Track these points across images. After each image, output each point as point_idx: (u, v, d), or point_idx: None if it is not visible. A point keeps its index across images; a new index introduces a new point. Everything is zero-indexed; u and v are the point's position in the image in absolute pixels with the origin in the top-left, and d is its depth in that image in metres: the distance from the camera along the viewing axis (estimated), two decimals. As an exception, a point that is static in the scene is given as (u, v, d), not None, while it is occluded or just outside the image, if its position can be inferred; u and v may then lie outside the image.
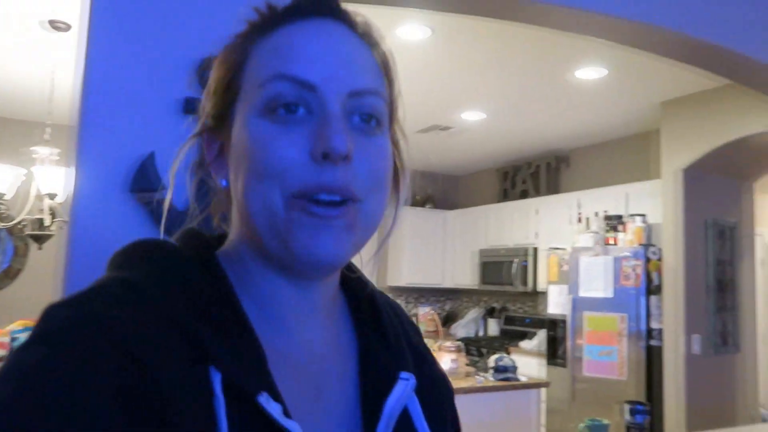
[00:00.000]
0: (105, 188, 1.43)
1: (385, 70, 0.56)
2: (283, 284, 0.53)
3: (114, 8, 1.48)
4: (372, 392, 0.54)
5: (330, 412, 0.53)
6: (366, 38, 0.55)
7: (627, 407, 2.01)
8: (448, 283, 6.68)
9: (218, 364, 0.45)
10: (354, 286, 0.62)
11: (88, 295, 0.45)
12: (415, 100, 4.41)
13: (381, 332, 0.59)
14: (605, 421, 1.97)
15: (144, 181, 1.44)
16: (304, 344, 0.54)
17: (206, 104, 0.56)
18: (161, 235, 0.58)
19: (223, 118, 0.54)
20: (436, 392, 0.63)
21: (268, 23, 0.53)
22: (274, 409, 0.44)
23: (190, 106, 1.47)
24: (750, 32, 2.43)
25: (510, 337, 5.90)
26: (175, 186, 1.56)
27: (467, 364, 3.88)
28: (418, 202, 6.71)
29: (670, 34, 2.21)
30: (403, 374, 0.56)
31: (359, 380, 0.56)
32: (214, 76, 0.56)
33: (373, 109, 0.52)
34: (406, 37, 3.28)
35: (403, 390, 0.55)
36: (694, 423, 3.85)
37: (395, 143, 0.57)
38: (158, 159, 1.45)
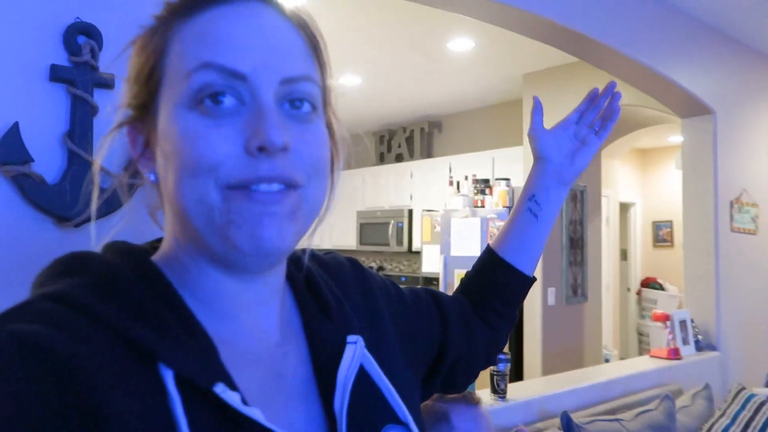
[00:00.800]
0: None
1: (315, 53, 0.53)
2: (227, 281, 0.51)
3: (-36, -35, 1.36)
4: (325, 366, 0.54)
5: (292, 396, 0.52)
6: (295, 20, 0.52)
7: (489, 356, 2.23)
8: (326, 244, 6.78)
9: (167, 360, 0.43)
10: (290, 267, 0.60)
11: (11, 314, 0.42)
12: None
13: (322, 304, 0.59)
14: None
15: (8, 152, 1.37)
16: (259, 335, 0.53)
17: (126, 94, 0.52)
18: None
19: (146, 108, 0.50)
20: (389, 326, 0.65)
21: (189, 6, 0.50)
22: (231, 398, 0.43)
23: (56, 74, 1.40)
24: (596, 17, 2.69)
25: (386, 295, 6.14)
26: (45, 157, 1.49)
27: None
28: (296, 165, 6.69)
29: (530, 16, 2.39)
30: (350, 338, 0.56)
31: (311, 357, 0.55)
32: (133, 63, 0.52)
33: (305, 95, 0.50)
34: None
35: (353, 354, 0.55)
36: (548, 367, 4.30)
37: (330, 128, 0.55)
38: (23, 129, 1.38)
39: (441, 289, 4.72)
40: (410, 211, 5.84)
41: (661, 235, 7.19)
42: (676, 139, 6.30)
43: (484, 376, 2.36)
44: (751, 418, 2.57)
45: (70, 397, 0.38)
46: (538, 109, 0.91)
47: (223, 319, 0.51)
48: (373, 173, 6.35)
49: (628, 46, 2.85)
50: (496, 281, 0.84)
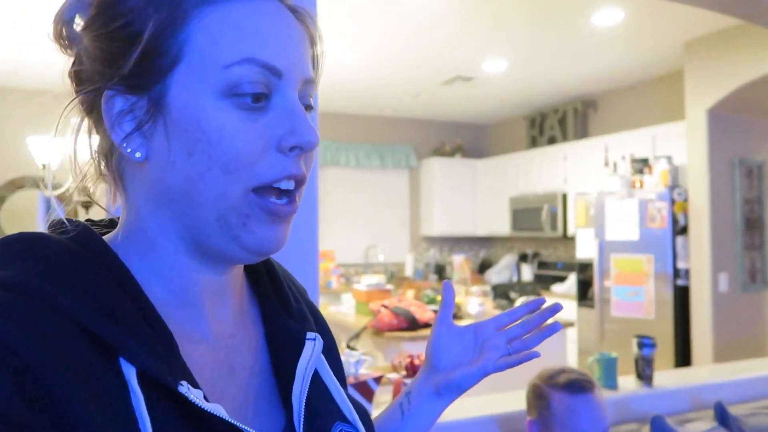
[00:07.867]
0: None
1: (313, 49, 0.54)
2: (201, 270, 0.51)
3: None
4: (283, 358, 0.55)
5: (245, 386, 0.52)
6: (298, 17, 0.52)
7: (635, 341, 2.15)
8: (480, 232, 6.80)
9: (129, 357, 0.42)
10: None
11: None
12: (436, 53, 4.45)
13: (282, 300, 0.59)
14: (613, 354, 2.11)
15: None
16: (216, 325, 0.52)
17: (117, 59, 0.47)
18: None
19: (148, 82, 0.47)
20: (335, 350, 0.65)
21: None
22: (196, 396, 0.43)
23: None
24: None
25: (543, 282, 6.03)
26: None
27: (495, 308, 4.07)
28: (447, 153, 6.78)
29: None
30: (309, 335, 0.57)
31: (269, 349, 0.56)
32: (132, 29, 0.46)
33: (312, 94, 0.52)
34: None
35: (312, 350, 0.55)
36: (721, 358, 3.95)
37: None
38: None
39: (596, 276, 4.53)
40: (564, 196, 5.65)
41: None
42: None
43: (629, 361, 2.26)
44: None
45: (29, 393, 0.37)
46: (447, 300, 0.75)
47: (187, 309, 0.50)
48: (525, 158, 6.23)
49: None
50: None
